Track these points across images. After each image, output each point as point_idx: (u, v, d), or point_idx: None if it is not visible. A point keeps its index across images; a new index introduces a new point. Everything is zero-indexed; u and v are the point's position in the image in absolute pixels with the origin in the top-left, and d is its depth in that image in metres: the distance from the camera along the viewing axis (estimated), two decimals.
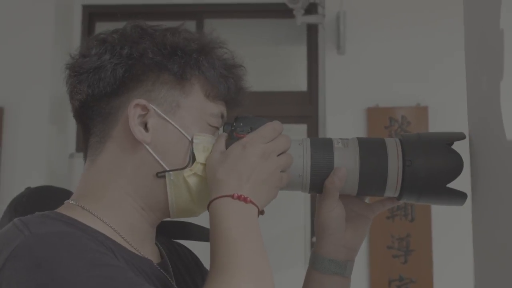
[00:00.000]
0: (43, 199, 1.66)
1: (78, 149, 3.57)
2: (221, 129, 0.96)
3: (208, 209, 0.87)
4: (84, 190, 0.92)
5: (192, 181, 0.90)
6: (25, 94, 3.28)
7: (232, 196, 0.84)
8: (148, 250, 0.93)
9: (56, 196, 1.70)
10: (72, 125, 3.57)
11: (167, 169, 0.90)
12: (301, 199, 3.35)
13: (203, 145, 0.91)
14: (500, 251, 0.83)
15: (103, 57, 0.90)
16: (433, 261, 3.13)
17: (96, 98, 0.91)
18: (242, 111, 0.98)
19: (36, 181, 3.11)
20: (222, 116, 0.95)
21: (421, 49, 3.28)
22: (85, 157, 0.95)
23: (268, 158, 0.88)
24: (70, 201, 0.92)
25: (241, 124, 0.93)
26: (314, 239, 3.33)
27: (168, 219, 0.99)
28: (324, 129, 3.31)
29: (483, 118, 0.91)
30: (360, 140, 0.95)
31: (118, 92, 0.90)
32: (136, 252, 0.90)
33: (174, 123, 0.90)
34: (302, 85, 3.72)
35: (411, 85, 3.26)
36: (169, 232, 1.05)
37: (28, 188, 1.72)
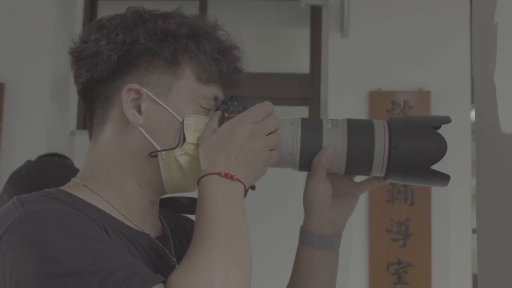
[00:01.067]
0: (42, 173, 1.67)
1: (78, 127, 3.57)
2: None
3: (197, 186, 0.92)
4: (87, 170, 0.98)
5: (184, 160, 0.95)
6: (26, 70, 3.27)
7: (219, 174, 0.89)
8: (148, 225, 0.99)
9: (55, 169, 1.70)
10: (73, 103, 3.56)
11: (159, 149, 0.95)
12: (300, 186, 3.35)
13: (195, 125, 0.95)
14: (504, 240, 0.83)
15: (100, 43, 0.95)
16: (431, 245, 3.14)
17: (95, 82, 0.96)
18: (243, 91, 1.00)
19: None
20: (215, 99, 0.98)
21: (424, 33, 3.27)
22: (90, 138, 1.01)
23: (256, 138, 0.92)
24: (76, 179, 0.98)
25: (235, 103, 0.97)
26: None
27: (171, 195, 1.05)
28: (326, 112, 3.30)
29: (489, 108, 0.91)
30: (349, 122, 0.98)
31: (114, 76, 0.96)
32: (134, 227, 0.95)
33: (166, 105, 0.95)
34: (304, 67, 3.70)
35: (414, 70, 3.25)
36: (176, 206, 1.11)
37: (28, 161, 1.73)
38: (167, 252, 0.99)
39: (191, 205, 1.09)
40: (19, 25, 3.28)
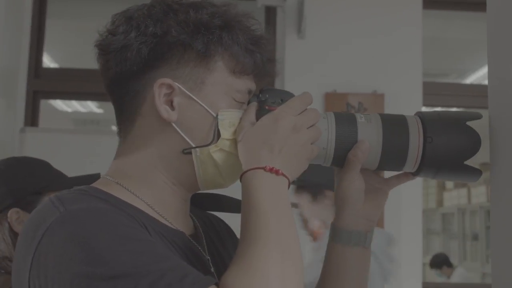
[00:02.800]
0: (21, 167, 1.63)
1: (26, 123, 3.47)
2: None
3: (240, 181, 0.88)
4: (118, 167, 0.95)
5: (218, 156, 0.92)
6: None
7: (264, 168, 0.86)
8: (181, 223, 0.96)
9: (34, 164, 1.66)
10: (21, 99, 3.46)
11: (193, 145, 0.91)
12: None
13: (229, 120, 0.92)
14: None
15: (129, 36, 0.91)
16: None
17: (124, 76, 0.92)
18: (271, 83, 0.97)
19: None
20: (249, 92, 0.95)
21: (379, 37, 3.32)
22: (119, 134, 0.97)
23: (299, 130, 0.89)
24: (107, 176, 0.94)
25: (267, 96, 0.93)
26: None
27: (200, 191, 1.01)
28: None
29: (504, 104, 0.92)
30: (382, 116, 0.97)
31: (144, 70, 0.91)
32: (169, 225, 0.92)
33: (199, 100, 0.91)
34: None
35: (368, 72, 3.29)
36: (203, 204, 1.08)
37: (2, 159, 1.68)
38: (201, 250, 0.96)
39: (216, 201, 1.07)
40: None
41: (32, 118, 3.56)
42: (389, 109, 3.22)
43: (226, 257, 1.02)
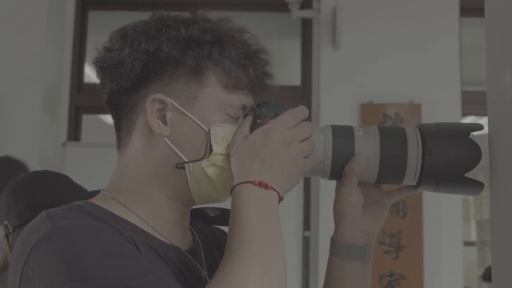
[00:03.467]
0: (42, 182, 1.66)
1: (69, 138, 3.55)
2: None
3: (231, 195, 0.88)
4: (116, 182, 0.96)
5: (211, 171, 0.92)
6: (17, 82, 3.26)
7: (253, 182, 0.86)
8: (178, 237, 0.96)
9: (54, 179, 1.69)
10: (64, 114, 3.55)
11: (186, 160, 0.92)
12: (294, 193, 3.35)
13: (222, 135, 0.92)
14: None
15: (123, 52, 0.92)
16: (423, 257, 3.14)
17: (119, 92, 0.94)
18: (271, 97, 0.98)
19: (29, 170, 3.09)
20: (243, 107, 0.95)
21: (416, 46, 3.29)
22: (117, 149, 0.98)
23: (290, 144, 0.89)
24: (105, 192, 0.96)
25: (264, 109, 0.94)
26: (306, 233, 3.34)
27: (203, 205, 1.01)
28: (317, 124, 3.30)
29: (503, 113, 0.90)
30: (380, 129, 0.96)
31: (138, 86, 0.93)
32: (164, 240, 0.93)
33: (191, 115, 0.92)
34: (295, 79, 3.71)
35: (405, 82, 3.26)
36: (207, 218, 1.08)
37: (24, 173, 1.72)
38: (198, 265, 0.96)
39: (217, 216, 1.07)
40: (9, 36, 3.27)
41: (74, 132, 3.64)
42: (427, 119, 3.18)
43: None
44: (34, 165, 3.14)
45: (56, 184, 1.66)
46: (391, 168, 0.94)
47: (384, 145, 0.94)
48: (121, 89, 0.93)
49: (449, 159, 0.92)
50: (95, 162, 3.12)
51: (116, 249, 0.80)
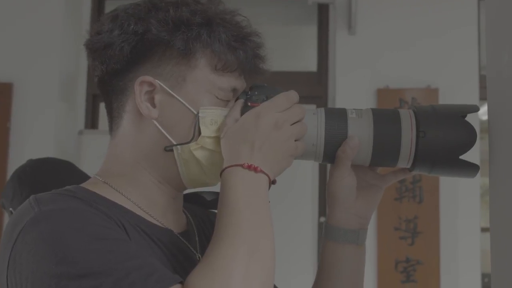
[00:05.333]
0: (48, 170, 1.67)
1: (87, 126, 3.58)
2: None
3: (220, 178, 0.88)
4: (107, 166, 0.96)
5: (200, 154, 0.92)
6: (34, 70, 3.28)
7: (242, 166, 0.86)
8: (170, 220, 0.96)
9: (60, 167, 1.71)
10: (81, 102, 3.57)
11: (174, 143, 0.91)
12: (310, 179, 3.35)
13: (211, 118, 0.91)
14: None
15: (113, 34, 0.92)
16: (440, 243, 3.13)
17: (109, 74, 0.93)
18: (266, 80, 0.97)
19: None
20: (233, 90, 0.94)
21: (432, 30, 3.26)
22: (110, 132, 0.98)
23: (281, 127, 0.88)
24: (97, 176, 0.96)
25: (256, 92, 0.93)
26: (321, 219, 3.35)
27: (194, 190, 1.02)
28: None
29: (502, 96, 0.89)
30: (374, 111, 0.95)
31: (127, 68, 0.92)
32: (156, 223, 0.93)
33: (180, 97, 0.91)
34: (312, 65, 3.69)
35: (421, 67, 3.24)
36: (200, 202, 1.08)
37: (30, 160, 1.74)
38: (191, 247, 0.96)
39: (214, 200, 1.05)
40: (27, 25, 3.29)
41: (92, 121, 3.66)
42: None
43: None
44: (51, 153, 3.17)
45: (61, 172, 1.68)
46: (384, 150, 0.93)
47: (378, 128, 0.93)
48: (111, 71, 0.92)
49: (444, 141, 0.91)
50: None
51: (101, 232, 0.80)
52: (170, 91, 0.91)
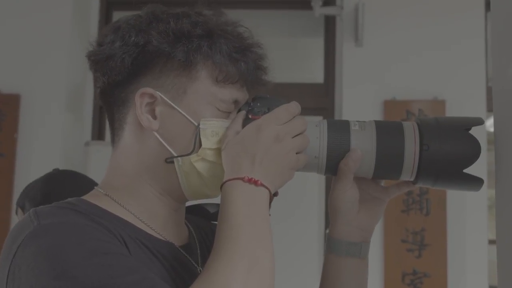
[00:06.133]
0: (58, 183, 1.68)
1: (93, 137, 3.58)
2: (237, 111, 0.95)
3: (221, 191, 0.88)
4: (108, 178, 0.96)
5: (201, 166, 0.91)
6: (41, 82, 3.29)
7: (242, 179, 0.85)
8: (171, 233, 0.95)
9: (70, 180, 1.71)
10: (88, 113, 3.58)
11: (175, 155, 0.91)
12: (316, 191, 3.34)
13: (212, 129, 0.91)
14: None
15: (114, 45, 0.92)
16: (447, 255, 3.11)
17: (111, 86, 0.93)
18: (269, 91, 0.97)
19: (52, 169, 3.13)
20: (235, 101, 0.94)
21: (439, 42, 3.25)
22: (112, 144, 0.98)
23: (282, 140, 0.88)
24: (98, 188, 0.95)
25: (258, 104, 0.93)
26: (328, 230, 3.32)
27: (197, 202, 1.01)
28: None
29: (508, 108, 0.88)
30: (377, 123, 0.94)
31: (129, 79, 0.92)
32: (157, 236, 0.92)
33: (181, 109, 0.91)
34: (318, 77, 3.69)
35: (428, 79, 3.23)
36: (203, 214, 1.08)
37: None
38: (192, 260, 0.96)
39: (216, 212, 1.03)
40: (34, 36, 3.30)
41: (99, 132, 3.66)
42: (452, 116, 3.14)
43: None
44: (58, 164, 3.16)
45: (69, 184, 1.68)
46: (387, 163, 0.92)
47: (381, 140, 0.92)
48: (112, 82, 0.92)
49: (447, 155, 0.90)
50: None
51: (101, 247, 0.79)
52: (171, 103, 0.91)
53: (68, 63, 3.34)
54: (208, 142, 0.91)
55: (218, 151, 0.91)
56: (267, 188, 0.86)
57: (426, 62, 3.23)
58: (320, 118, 3.55)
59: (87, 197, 0.92)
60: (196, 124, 0.91)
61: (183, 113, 0.91)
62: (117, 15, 3.75)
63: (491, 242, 3.32)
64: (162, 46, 0.90)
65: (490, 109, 3.30)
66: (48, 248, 0.78)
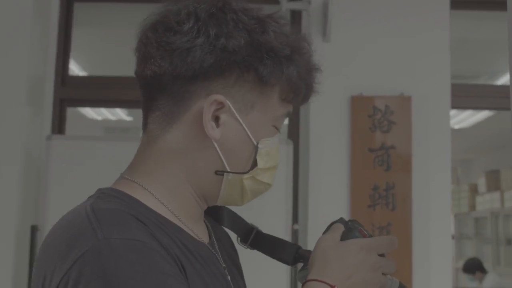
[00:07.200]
0: None
1: (53, 131, 3.50)
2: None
3: (302, 284, 0.89)
4: (143, 167, 0.92)
5: (248, 183, 0.91)
6: (1, 75, 3.19)
7: (332, 287, 0.86)
8: (201, 231, 0.95)
9: None
10: (48, 106, 3.49)
11: (228, 169, 0.90)
12: (283, 187, 3.32)
13: (266, 149, 0.91)
14: None
15: (196, 41, 0.86)
16: (412, 250, 3.13)
17: (173, 77, 0.88)
18: None
19: (13, 164, 3.04)
20: (286, 116, 0.94)
21: (406, 39, 3.28)
22: (143, 128, 0.93)
23: (375, 271, 0.90)
24: (127, 176, 0.92)
25: (354, 223, 0.95)
26: (295, 226, 3.32)
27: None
28: (307, 116, 3.28)
29: None
30: None
31: (197, 78, 0.87)
32: (195, 236, 0.91)
33: (244, 124, 0.89)
34: None
35: (395, 75, 3.25)
36: (219, 219, 1.07)
37: None
38: (218, 258, 0.96)
39: (232, 222, 1.06)
40: None
41: (59, 126, 3.58)
42: (417, 112, 3.16)
43: (234, 267, 1.02)
44: (18, 159, 3.09)
45: None
46: None
47: None
48: (178, 75, 0.87)
49: None
50: (80, 155, 3.08)
51: (163, 283, 0.76)
52: (237, 116, 0.89)
53: (28, 56, 3.25)
54: (262, 162, 0.91)
55: (267, 171, 0.92)
56: None
57: (393, 59, 3.25)
58: None
59: (128, 190, 0.88)
60: (255, 143, 0.90)
61: (246, 128, 0.89)
62: (78, 7, 3.66)
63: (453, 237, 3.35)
64: (250, 59, 0.87)
65: (454, 106, 3.34)
66: (111, 271, 0.73)
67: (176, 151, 0.90)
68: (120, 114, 6.54)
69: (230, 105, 0.88)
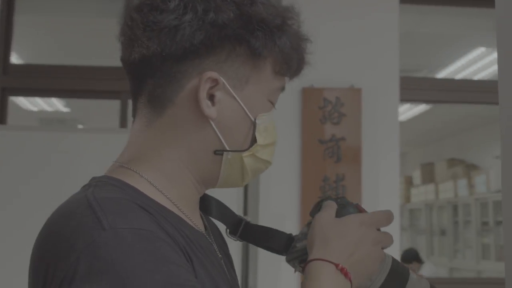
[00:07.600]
0: None
1: None
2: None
3: (303, 268, 0.87)
4: (138, 153, 0.87)
5: (248, 161, 0.88)
6: None
7: (337, 266, 0.85)
8: (197, 219, 0.91)
9: None
10: None
11: (227, 148, 0.87)
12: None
13: (264, 125, 0.88)
14: None
15: (184, 18, 0.82)
16: None
17: (162, 58, 0.83)
18: None
19: None
20: (281, 90, 0.92)
21: (356, 31, 3.30)
22: (134, 114, 0.89)
23: (376, 245, 0.89)
24: (122, 164, 0.87)
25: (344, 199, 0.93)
26: (246, 218, 3.31)
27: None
28: None
29: None
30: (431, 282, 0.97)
31: (188, 56, 0.83)
32: (193, 226, 0.87)
33: (240, 100, 0.86)
34: None
35: (346, 67, 3.27)
36: (208, 210, 1.02)
37: None
38: (215, 248, 0.93)
39: (220, 213, 1.02)
40: None
41: (0, 115, 3.45)
42: (367, 104, 3.21)
43: (226, 257, 1.00)
44: None
45: None
46: None
47: None
48: (168, 55, 0.83)
49: None
50: (22, 146, 2.96)
51: (175, 275, 0.72)
52: (233, 92, 0.85)
53: None
54: (261, 138, 0.88)
55: (266, 147, 0.89)
56: (351, 281, 0.86)
57: (343, 52, 3.28)
58: None
59: (125, 178, 0.83)
60: (252, 119, 0.87)
61: (242, 105, 0.86)
62: None
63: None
64: (241, 31, 0.84)
65: (403, 99, 3.40)
66: (120, 263, 0.69)
67: (171, 134, 0.86)
68: (57, 105, 6.35)
69: (225, 82, 0.85)
